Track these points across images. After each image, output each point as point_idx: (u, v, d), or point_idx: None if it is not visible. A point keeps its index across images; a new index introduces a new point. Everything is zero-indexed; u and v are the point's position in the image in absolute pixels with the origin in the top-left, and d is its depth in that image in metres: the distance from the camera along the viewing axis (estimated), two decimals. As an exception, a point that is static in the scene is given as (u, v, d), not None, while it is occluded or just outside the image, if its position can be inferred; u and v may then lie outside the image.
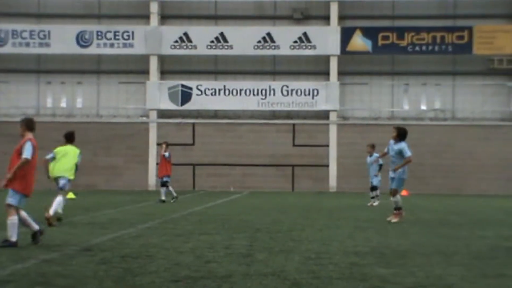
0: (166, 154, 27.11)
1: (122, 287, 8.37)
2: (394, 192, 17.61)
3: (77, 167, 17.63)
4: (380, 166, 25.75)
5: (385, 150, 18.62)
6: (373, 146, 26.38)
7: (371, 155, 26.03)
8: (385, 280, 8.94)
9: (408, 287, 8.54)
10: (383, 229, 15.81)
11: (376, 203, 25.66)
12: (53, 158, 17.38)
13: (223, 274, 9.33)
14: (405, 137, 17.86)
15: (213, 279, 8.91)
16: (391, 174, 17.79)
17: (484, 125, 40.08)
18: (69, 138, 17.69)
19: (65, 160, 17.35)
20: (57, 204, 16.67)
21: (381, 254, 11.53)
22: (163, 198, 26.77)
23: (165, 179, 27.13)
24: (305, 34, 40.37)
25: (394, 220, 17.37)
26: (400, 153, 17.51)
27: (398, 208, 17.50)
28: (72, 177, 17.51)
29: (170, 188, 26.98)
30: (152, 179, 40.40)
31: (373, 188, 26.12)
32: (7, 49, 40.80)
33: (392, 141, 17.81)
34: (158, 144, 40.58)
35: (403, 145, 17.58)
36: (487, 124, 40.12)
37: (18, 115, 41.18)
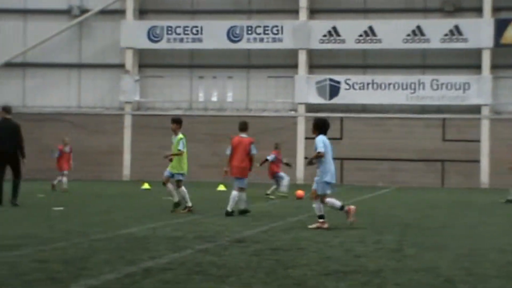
0: None
1: (274, 278, 8.53)
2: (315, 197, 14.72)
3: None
4: None
5: None
6: None
7: None
8: (544, 281, 8.65)
9: None
10: (539, 228, 15.27)
11: None
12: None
13: (373, 268, 9.32)
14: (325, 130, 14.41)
15: (363, 274, 8.92)
16: None
17: None
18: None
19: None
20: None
21: (538, 253, 11.15)
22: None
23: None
24: (456, 27, 39.47)
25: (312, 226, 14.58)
26: None
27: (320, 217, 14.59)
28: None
29: None
30: (299, 173, 40.70)
31: None
32: (163, 44, 42.22)
33: None
34: (307, 138, 40.91)
35: None
36: None
37: (172, 109, 42.63)
